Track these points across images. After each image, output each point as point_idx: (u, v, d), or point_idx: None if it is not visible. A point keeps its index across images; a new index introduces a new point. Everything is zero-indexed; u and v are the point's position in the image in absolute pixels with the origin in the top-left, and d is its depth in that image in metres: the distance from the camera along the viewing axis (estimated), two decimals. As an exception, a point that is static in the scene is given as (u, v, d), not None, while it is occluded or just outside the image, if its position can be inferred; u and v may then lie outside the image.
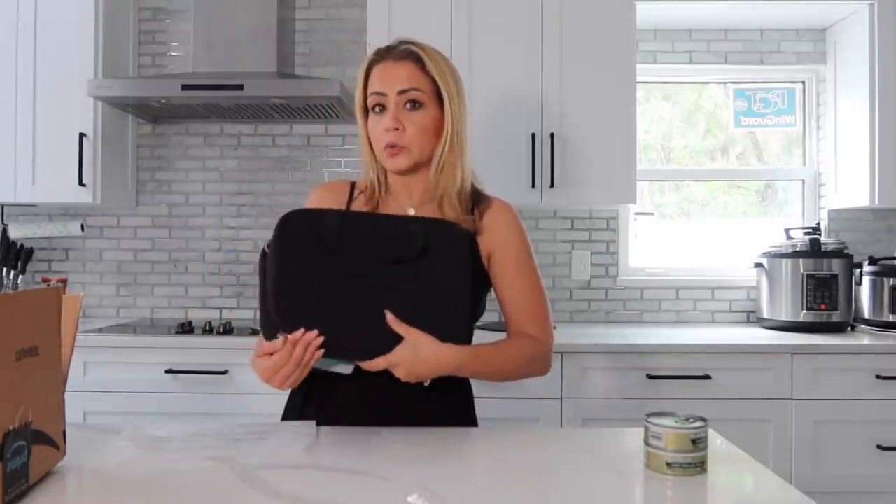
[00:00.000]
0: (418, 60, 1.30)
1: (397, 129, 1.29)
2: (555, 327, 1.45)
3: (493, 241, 1.36)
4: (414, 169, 1.34)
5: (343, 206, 1.38)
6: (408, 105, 1.30)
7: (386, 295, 1.20)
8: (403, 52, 1.31)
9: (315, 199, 1.41)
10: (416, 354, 1.16)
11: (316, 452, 1.12)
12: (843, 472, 2.37)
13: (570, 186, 2.63)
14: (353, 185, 1.43)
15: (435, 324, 1.20)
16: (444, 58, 1.34)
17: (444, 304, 1.22)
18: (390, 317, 1.17)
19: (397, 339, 1.18)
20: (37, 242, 3.01)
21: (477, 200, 1.38)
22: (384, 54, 1.32)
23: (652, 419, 1.02)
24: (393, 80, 1.29)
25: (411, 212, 1.37)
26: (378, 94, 1.30)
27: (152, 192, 3.04)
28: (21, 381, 0.88)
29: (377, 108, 1.31)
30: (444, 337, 1.20)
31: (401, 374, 1.18)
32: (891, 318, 2.71)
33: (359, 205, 1.38)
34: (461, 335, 1.23)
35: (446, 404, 1.34)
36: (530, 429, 1.41)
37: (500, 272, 1.37)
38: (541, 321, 1.37)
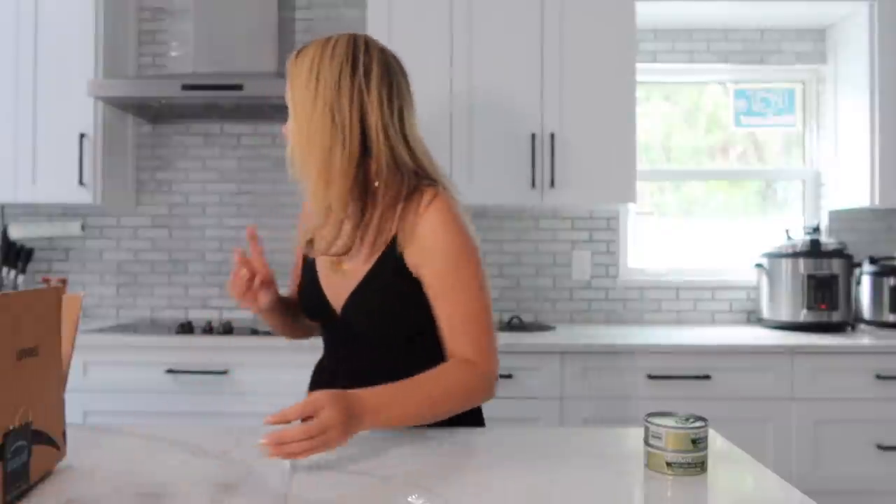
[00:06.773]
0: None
1: None
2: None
3: (416, 251, 1.19)
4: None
5: None
6: None
7: None
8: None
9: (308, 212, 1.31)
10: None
11: (316, 452, 1.12)
12: (843, 472, 2.37)
13: (570, 186, 2.63)
14: None
15: None
16: (317, 46, 1.20)
17: None
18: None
19: None
20: (37, 242, 3.01)
21: (403, 204, 1.20)
22: None
23: (652, 419, 1.02)
24: None
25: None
26: None
27: (152, 192, 3.04)
28: (21, 381, 0.88)
29: None
30: None
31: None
32: (891, 318, 2.71)
33: None
34: None
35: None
36: (530, 429, 1.41)
37: (427, 286, 1.21)
38: (477, 342, 1.19)
